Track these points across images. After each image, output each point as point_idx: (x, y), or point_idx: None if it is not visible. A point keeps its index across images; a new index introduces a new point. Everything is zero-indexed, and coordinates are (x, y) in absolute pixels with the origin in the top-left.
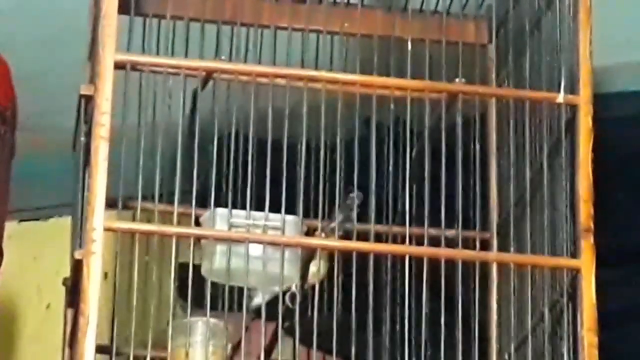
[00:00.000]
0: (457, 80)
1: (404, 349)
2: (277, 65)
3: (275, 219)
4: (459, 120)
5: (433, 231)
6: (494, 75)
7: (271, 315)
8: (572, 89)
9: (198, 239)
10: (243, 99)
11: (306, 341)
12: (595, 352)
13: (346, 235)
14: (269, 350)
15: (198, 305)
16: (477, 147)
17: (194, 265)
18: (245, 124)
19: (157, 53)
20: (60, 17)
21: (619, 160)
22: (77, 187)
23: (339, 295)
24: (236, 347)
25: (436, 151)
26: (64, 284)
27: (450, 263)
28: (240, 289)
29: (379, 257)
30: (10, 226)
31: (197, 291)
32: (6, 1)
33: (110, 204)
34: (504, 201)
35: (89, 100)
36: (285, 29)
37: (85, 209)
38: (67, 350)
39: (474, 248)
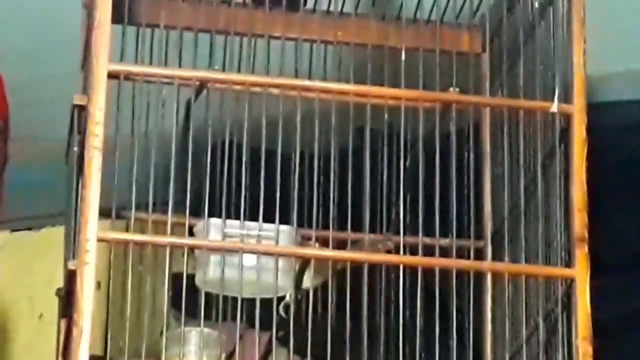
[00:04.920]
0: (451, 89)
1: (398, 358)
2: (271, 75)
3: (269, 228)
4: (453, 129)
5: (427, 240)
6: (487, 85)
7: (265, 325)
8: (566, 98)
9: (192, 249)
10: (236, 108)
11: (300, 351)
12: None
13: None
14: None
15: (192, 315)
16: (471, 156)
17: (187, 275)
18: (239, 133)
19: (151, 63)
20: (53, 27)
21: (614, 168)
22: (70, 197)
23: (333, 305)
24: (230, 357)
25: (430, 160)
26: (57, 294)
27: (445, 272)
28: (234, 299)
29: (374, 267)
30: (2, 236)
31: (190, 301)
32: None
33: (104, 213)
34: (498, 210)
35: (82, 110)
36: (278, 38)
37: (78, 219)
38: None
39: (468, 257)
